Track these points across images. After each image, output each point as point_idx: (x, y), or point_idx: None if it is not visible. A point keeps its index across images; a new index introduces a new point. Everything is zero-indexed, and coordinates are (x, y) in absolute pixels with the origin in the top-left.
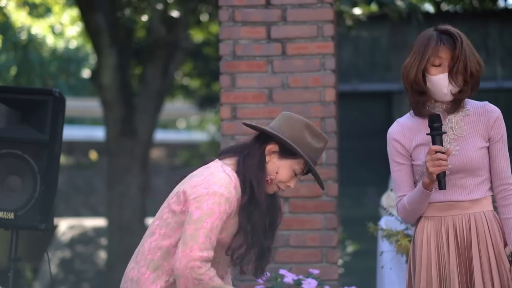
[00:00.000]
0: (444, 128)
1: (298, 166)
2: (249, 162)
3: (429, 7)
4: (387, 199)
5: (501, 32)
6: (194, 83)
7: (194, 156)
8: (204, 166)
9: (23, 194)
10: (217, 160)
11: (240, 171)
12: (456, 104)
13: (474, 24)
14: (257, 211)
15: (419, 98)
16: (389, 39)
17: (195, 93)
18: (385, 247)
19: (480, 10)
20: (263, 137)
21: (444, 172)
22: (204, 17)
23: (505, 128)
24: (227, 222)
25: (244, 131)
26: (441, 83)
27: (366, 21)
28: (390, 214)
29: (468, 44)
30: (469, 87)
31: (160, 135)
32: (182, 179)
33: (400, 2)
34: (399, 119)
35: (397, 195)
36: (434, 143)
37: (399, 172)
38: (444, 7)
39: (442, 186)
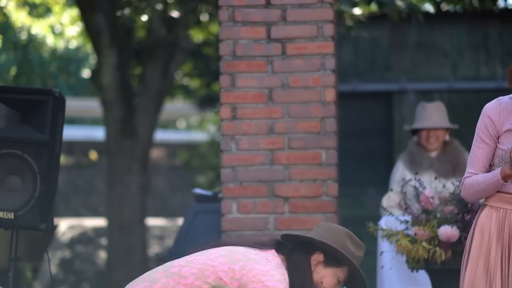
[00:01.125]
0: None
1: (342, 273)
2: (298, 271)
3: (429, 7)
4: (387, 200)
5: (501, 32)
6: (194, 83)
7: (194, 156)
8: (263, 254)
9: (23, 194)
10: (275, 253)
11: (289, 276)
12: None
13: (474, 24)
14: None
15: None
16: (389, 39)
17: (195, 93)
18: (385, 247)
19: (480, 10)
20: (307, 245)
21: None
22: (204, 17)
23: None
24: None
25: (244, 131)
26: None
27: (366, 21)
28: (390, 214)
29: None
30: None
31: (160, 135)
32: (227, 245)
33: (400, 2)
34: (501, 97)
35: (468, 170)
36: None
37: (479, 150)
38: (444, 7)
39: None
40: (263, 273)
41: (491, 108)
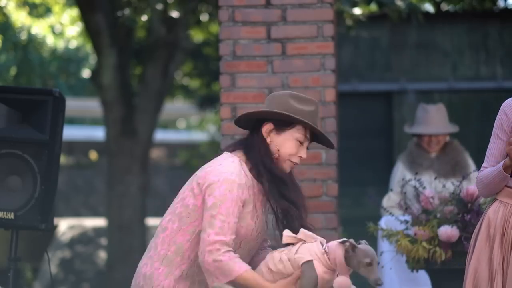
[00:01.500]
0: None
1: (299, 133)
2: (253, 150)
3: (429, 7)
4: (387, 201)
5: (501, 32)
6: (194, 83)
7: (194, 156)
8: (213, 159)
9: (23, 194)
10: (225, 152)
11: (249, 161)
12: None
13: (474, 24)
14: (285, 188)
15: None
16: (389, 39)
17: (195, 93)
18: (385, 247)
19: (480, 10)
20: (257, 124)
21: None
22: (204, 17)
23: None
24: (242, 212)
25: (244, 131)
26: None
27: (366, 21)
28: (390, 214)
29: None
30: None
31: (160, 135)
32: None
33: (400, 2)
34: None
35: (483, 165)
36: None
37: (493, 145)
38: (444, 7)
39: None
40: (209, 172)
41: (508, 104)
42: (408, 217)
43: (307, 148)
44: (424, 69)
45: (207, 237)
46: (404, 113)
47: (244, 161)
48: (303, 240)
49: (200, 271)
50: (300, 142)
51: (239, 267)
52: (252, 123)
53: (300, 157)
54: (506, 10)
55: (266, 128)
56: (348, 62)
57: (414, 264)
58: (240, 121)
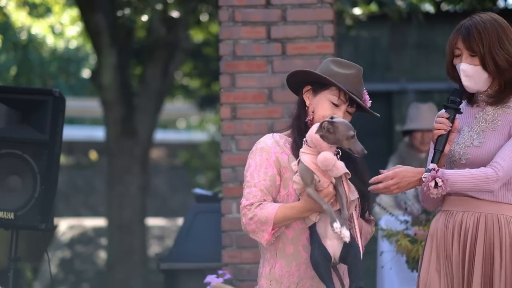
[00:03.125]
0: (477, 118)
1: (332, 94)
2: (294, 115)
3: (429, 7)
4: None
5: None
6: (194, 83)
7: (194, 156)
8: None
9: (23, 194)
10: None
11: (292, 127)
12: (493, 98)
13: None
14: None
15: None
16: (389, 39)
17: (195, 93)
18: (385, 247)
19: (480, 10)
20: (300, 89)
21: (441, 150)
22: (204, 17)
23: None
24: (282, 176)
25: (244, 131)
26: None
27: (366, 21)
28: (390, 214)
29: (495, 35)
30: (499, 81)
31: (160, 135)
32: None
33: (400, 2)
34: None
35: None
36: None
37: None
38: (444, 7)
39: (434, 160)
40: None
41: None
42: (408, 217)
43: (350, 114)
44: (424, 69)
45: (240, 205)
46: (404, 113)
47: (287, 134)
48: None
49: (284, 243)
50: (334, 104)
51: (272, 209)
52: (297, 87)
53: None
54: (506, 10)
55: (305, 89)
56: None
57: (414, 264)
58: (290, 83)
